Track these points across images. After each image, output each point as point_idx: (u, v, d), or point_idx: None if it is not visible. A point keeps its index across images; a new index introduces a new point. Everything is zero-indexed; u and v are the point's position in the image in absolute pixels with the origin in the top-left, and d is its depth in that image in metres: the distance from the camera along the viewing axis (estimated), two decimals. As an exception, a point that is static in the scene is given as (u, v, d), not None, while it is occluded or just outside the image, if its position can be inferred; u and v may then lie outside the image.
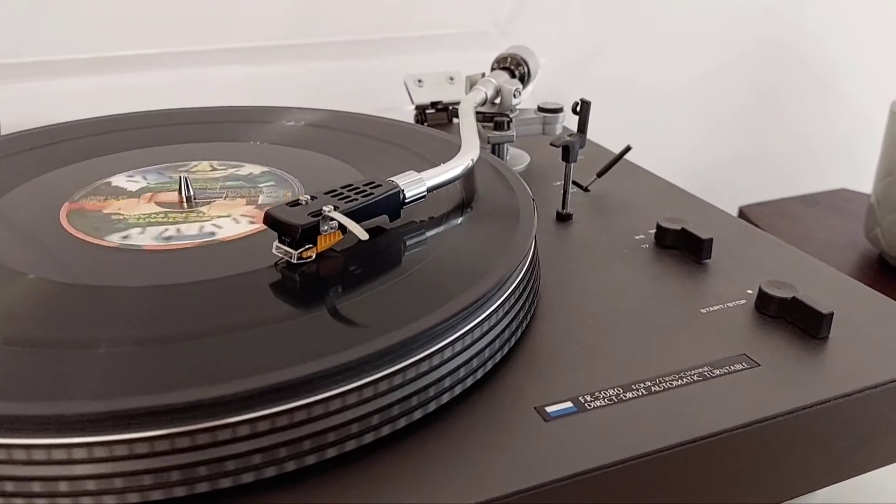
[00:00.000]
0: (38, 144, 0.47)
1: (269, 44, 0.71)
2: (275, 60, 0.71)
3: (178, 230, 0.37)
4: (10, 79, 0.61)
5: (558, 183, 0.51)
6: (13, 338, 0.29)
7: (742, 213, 0.84)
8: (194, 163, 0.44)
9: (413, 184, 0.37)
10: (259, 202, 0.40)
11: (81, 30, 0.64)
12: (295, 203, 0.34)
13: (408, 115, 0.62)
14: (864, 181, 0.90)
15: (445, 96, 0.62)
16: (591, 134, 0.51)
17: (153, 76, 0.66)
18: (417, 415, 0.29)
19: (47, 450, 0.25)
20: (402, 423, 0.29)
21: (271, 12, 0.70)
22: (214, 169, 0.44)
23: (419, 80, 0.63)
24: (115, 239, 0.36)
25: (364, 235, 0.32)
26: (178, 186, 0.40)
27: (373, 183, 0.36)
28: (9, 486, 0.25)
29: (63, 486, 0.25)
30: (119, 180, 0.42)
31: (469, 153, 0.41)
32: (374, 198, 0.35)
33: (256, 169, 0.44)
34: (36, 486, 0.25)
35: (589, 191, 0.50)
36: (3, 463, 0.25)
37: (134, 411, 0.25)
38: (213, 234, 0.36)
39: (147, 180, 0.42)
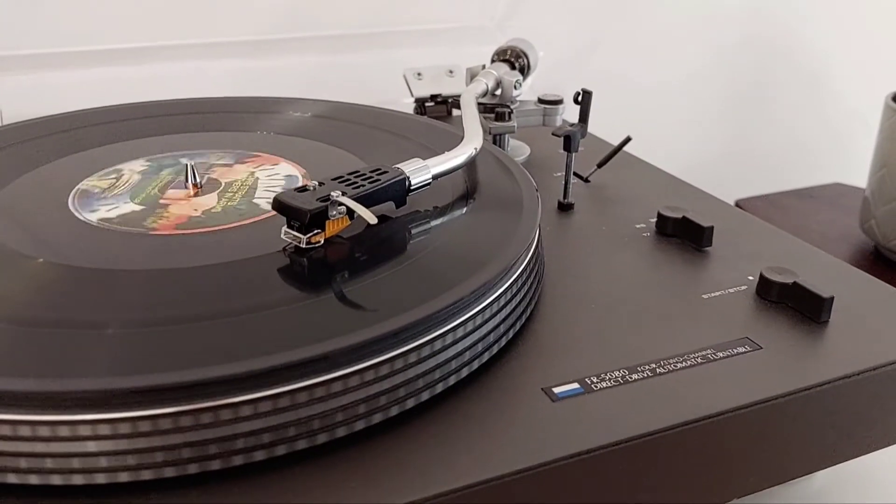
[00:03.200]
0: (44, 133, 0.48)
1: (265, 37, 0.71)
2: (270, 54, 0.71)
3: (186, 216, 0.37)
4: (10, 70, 0.62)
5: (558, 174, 0.52)
6: (23, 319, 0.29)
7: (738, 206, 0.85)
8: (201, 151, 0.45)
9: (418, 171, 0.37)
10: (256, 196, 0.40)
11: (80, 23, 0.64)
12: (303, 189, 0.34)
13: (404, 108, 0.63)
14: (855, 176, 0.91)
15: (445, 89, 0.63)
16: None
17: (152, 68, 0.66)
18: (426, 395, 0.30)
19: (54, 427, 0.25)
20: (410, 403, 0.29)
21: (267, 5, 0.70)
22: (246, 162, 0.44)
23: (419, 74, 0.63)
24: (122, 222, 0.36)
25: (373, 220, 0.33)
26: (185, 173, 0.40)
27: (379, 170, 0.36)
28: (22, 463, 0.25)
29: (76, 463, 0.25)
30: (132, 166, 0.42)
31: (472, 142, 0.42)
32: (380, 184, 0.35)
33: (267, 161, 0.44)
34: (49, 463, 0.25)
35: (589, 181, 0.51)
36: (12, 439, 0.25)
37: (147, 388, 0.25)
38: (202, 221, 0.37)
39: (159, 166, 0.42)
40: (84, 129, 0.48)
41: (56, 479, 0.25)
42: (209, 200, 0.39)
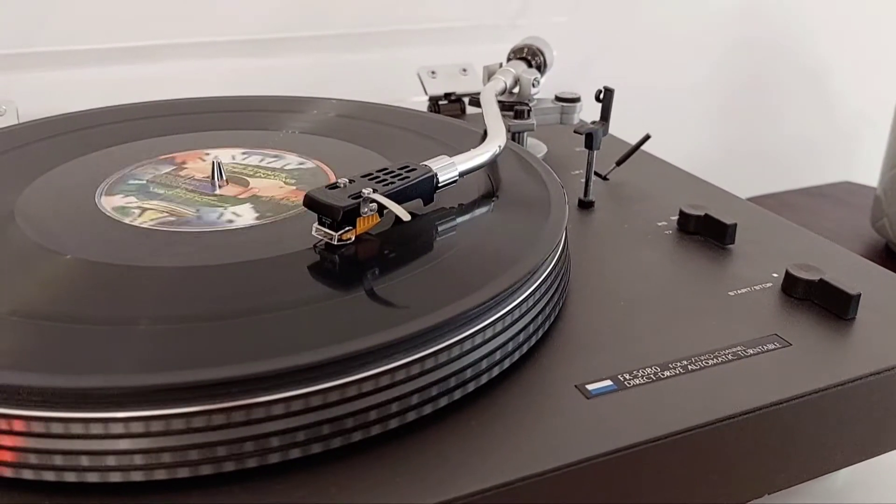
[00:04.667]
0: (63, 131, 0.47)
1: (276, 35, 0.71)
2: (281, 52, 0.71)
3: (213, 214, 0.37)
4: (26, 68, 0.61)
5: (576, 172, 0.52)
6: (50, 314, 0.29)
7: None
8: (226, 149, 0.45)
9: (446, 168, 0.37)
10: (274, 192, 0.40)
11: (94, 20, 0.64)
12: (333, 186, 0.34)
13: (415, 106, 0.63)
14: (861, 174, 0.91)
15: (459, 87, 0.63)
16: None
17: (165, 67, 0.66)
18: (454, 396, 0.30)
19: (86, 423, 0.25)
20: (444, 401, 0.29)
21: (278, 3, 0.70)
22: (245, 156, 0.44)
23: (433, 72, 0.63)
24: (149, 220, 0.36)
25: (406, 216, 0.33)
26: (211, 171, 0.40)
27: (407, 167, 0.36)
28: (32, 459, 0.25)
29: (94, 460, 0.25)
30: (155, 164, 0.42)
31: (496, 139, 0.42)
32: (409, 181, 0.35)
33: (292, 159, 0.44)
34: (59, 459, 0.25)
35: (608, 179, 0.51)
36: (42, 436, 0.25)
37: (180, 385, 0.25)
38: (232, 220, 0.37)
39: (184, 164, 0.42)
40: (104, 126, 0.48)
41: (70, 476, 0.25)
42: (236, 198, 0.39)
